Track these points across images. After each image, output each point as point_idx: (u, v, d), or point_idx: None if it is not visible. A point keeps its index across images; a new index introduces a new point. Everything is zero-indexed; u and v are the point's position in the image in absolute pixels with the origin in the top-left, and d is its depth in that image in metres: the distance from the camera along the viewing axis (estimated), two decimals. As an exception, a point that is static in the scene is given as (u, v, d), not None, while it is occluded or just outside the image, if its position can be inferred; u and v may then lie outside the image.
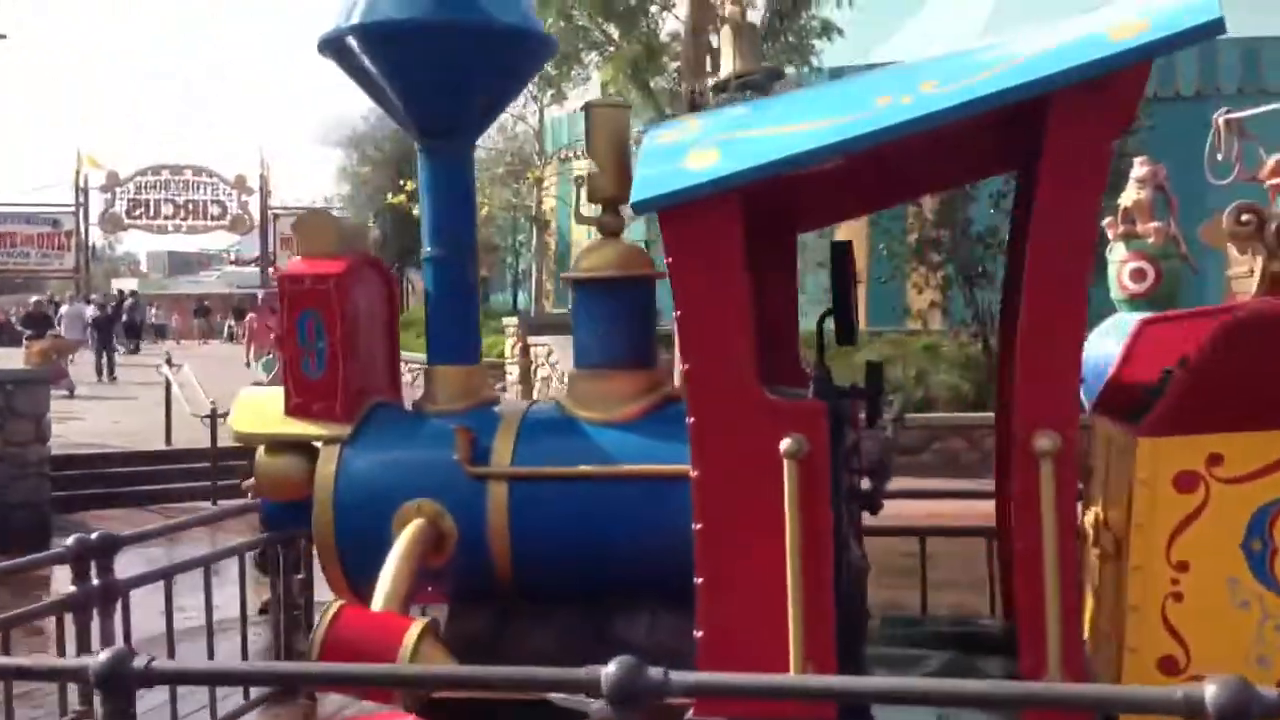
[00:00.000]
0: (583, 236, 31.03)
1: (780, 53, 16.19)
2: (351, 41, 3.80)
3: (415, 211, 20.32)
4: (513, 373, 17.93)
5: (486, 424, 3.74)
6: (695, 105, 14.35)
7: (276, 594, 5.43)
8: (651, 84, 15.82)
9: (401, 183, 25.60)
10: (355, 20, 3.76)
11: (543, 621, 3.68)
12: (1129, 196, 10.64)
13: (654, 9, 15.40)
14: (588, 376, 3.77)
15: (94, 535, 4.26)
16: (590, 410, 3.72)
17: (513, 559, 3.64)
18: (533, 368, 17.02)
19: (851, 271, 3.62)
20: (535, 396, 16.78)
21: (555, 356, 16.06)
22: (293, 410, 3.85)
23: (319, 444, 3.85)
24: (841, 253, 3.63)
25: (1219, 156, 13.62)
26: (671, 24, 17.17)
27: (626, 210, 3.73)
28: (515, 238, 30.32)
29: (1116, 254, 10.80)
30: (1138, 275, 10.59)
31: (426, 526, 3.62)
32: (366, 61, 3.82)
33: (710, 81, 3.87)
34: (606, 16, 14.82)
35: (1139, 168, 10.73)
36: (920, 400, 15.04)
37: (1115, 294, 10.84)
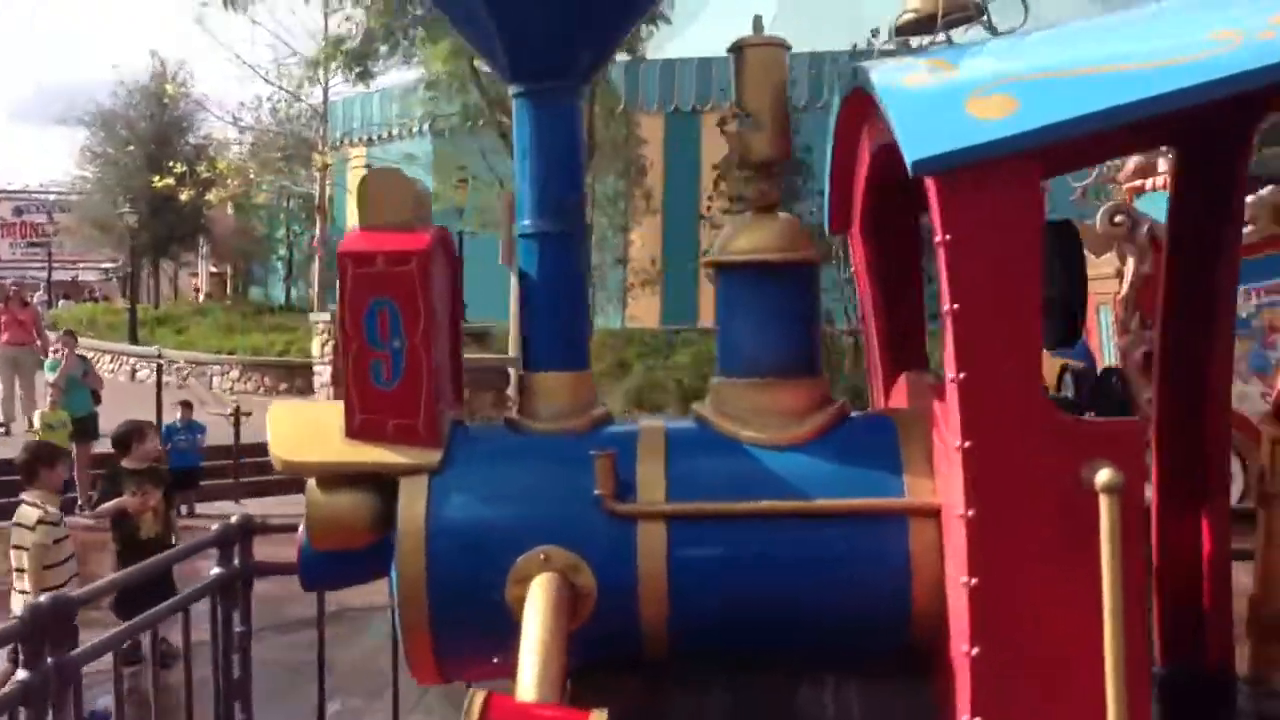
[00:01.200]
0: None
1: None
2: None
3: (183, 196, 18.61)
4: (322, 374, 16.53)
5: (620, 447, 2.91)
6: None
7: (216, 652, 4.43)
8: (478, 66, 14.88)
9: (169, 164, 23.59)
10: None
11: (702, 694, 2.90)
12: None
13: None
14: (744, 386, 3.00)
15: (45, 598, 3.21)
16: (751, 429, 2.95)
17: (669, 620, 2.84)
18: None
19: (1081, 258, 2.99)
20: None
21: (375, 355, 14.77)
22: (358, 431, 2.92)
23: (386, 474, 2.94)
24: (1069, 234, 2.99)
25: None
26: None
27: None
28: (289, 227, 28.54)
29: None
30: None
31: (562, 581, 2.78)
32: None
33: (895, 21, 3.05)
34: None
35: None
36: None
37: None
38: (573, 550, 2.81)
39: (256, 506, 10.98)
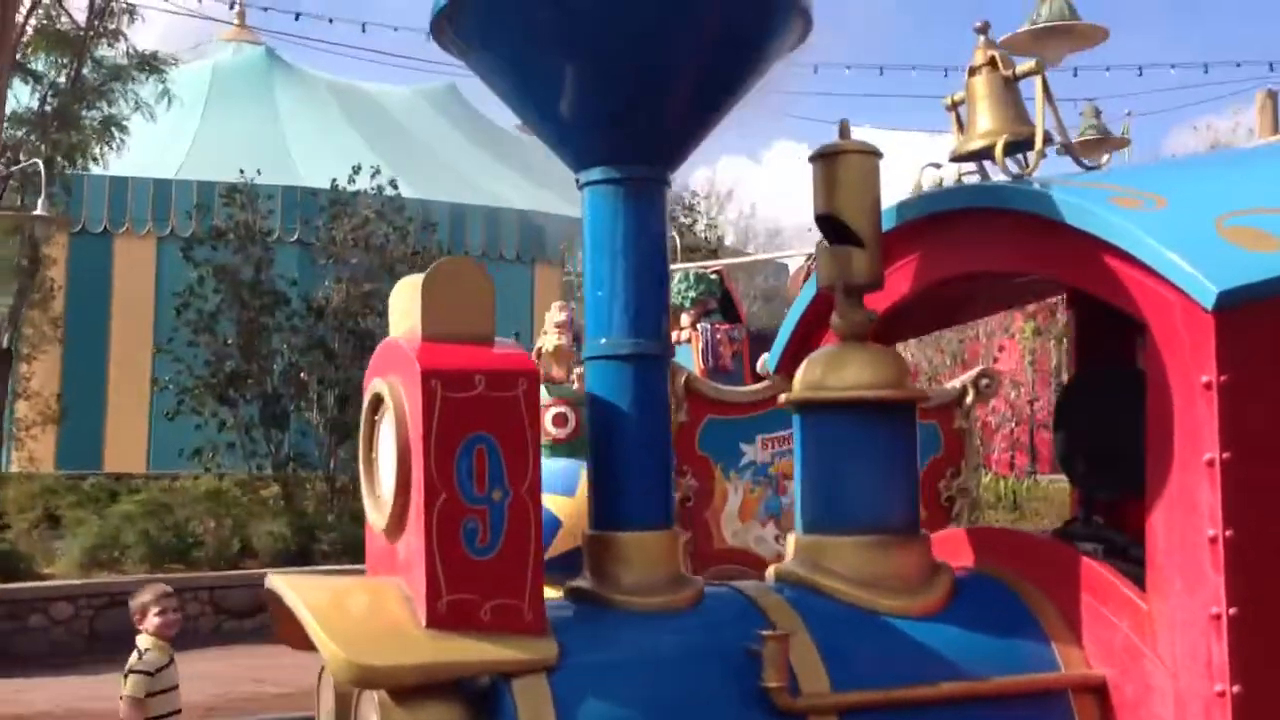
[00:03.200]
0: None
1: (51, 149, 13.70)
2: (492, 13, 2.31)
3: None
4: None
5: (752, 625, 2.34)
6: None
7: None
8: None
9: None
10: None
11: None
12: (549, 342, 10.43)
13: None
14: (858, 546, 2.53)
15: None
16: (887, 597, 2.49)
17: None
18: None
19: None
20: None
21: None
22: (444, 617, 2.09)
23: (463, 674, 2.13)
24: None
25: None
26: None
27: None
28: None
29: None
30: (560, 420, 10.33)
31: (740, 810, 2.13)
32: (527, 43, 2.33)
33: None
34: None
35: (557, 313, 10.62)
36: (237, 553, 13.21)
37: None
38: None
39: None
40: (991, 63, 2.84)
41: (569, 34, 2.33)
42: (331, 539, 13.41)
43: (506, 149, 29.66)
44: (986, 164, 2.97)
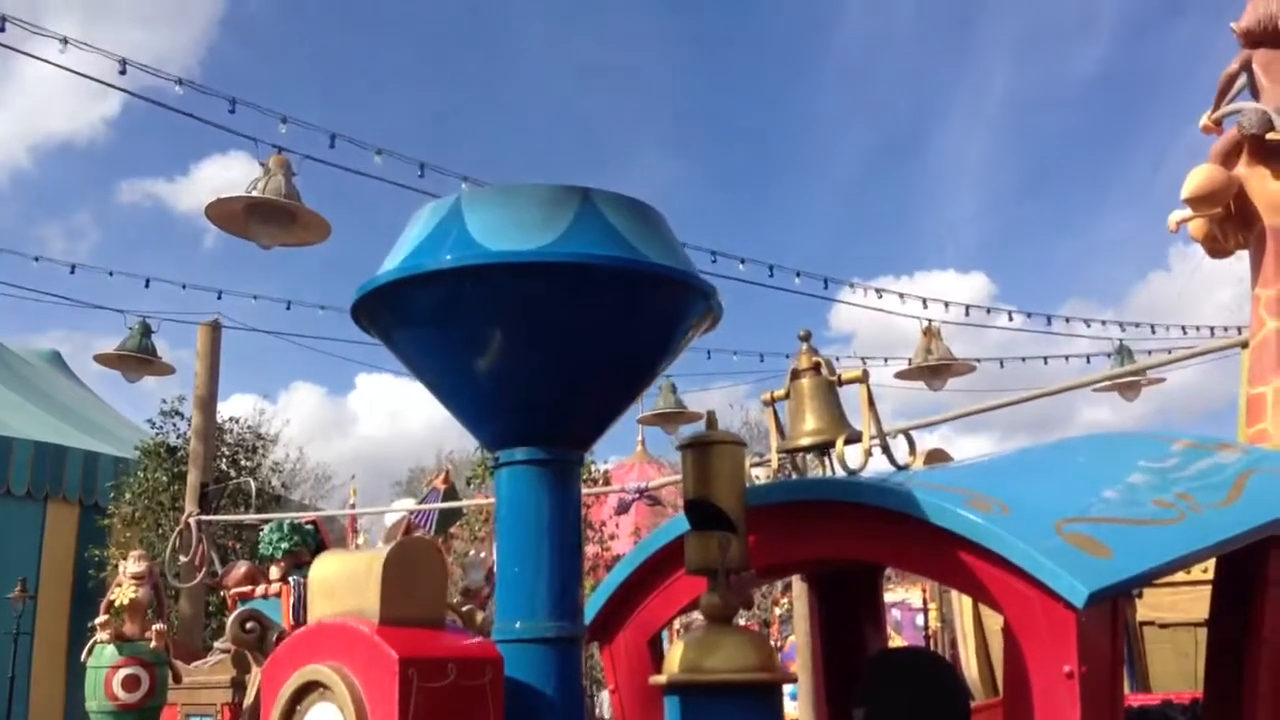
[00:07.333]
0: None
1: None
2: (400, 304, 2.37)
3: None
4: None
5: None
6: None
7: None
8: None
9: None
10: (452, 260, 2.30)
11: None
12: (125, 595, 9.61)
13: None
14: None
15: None
16: None
17: None
18: None
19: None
20: None
21: None
22: None
23: None
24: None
25: (181, 558, 13.45)
26: None
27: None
28: None
29: (105, 658, 9.51)
30: (131, 683, 9.44)
31: None
32: (441, 332, 2.38)
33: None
34: None
35: (135, 564, 9.89)
36: None
37: (100, 704, 9.45)
38: None
39: None
40: (815, 367, 3.13)
41: (483, 331, 2.37)
42: None
43: (18, 375, 27.20)
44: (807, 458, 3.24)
